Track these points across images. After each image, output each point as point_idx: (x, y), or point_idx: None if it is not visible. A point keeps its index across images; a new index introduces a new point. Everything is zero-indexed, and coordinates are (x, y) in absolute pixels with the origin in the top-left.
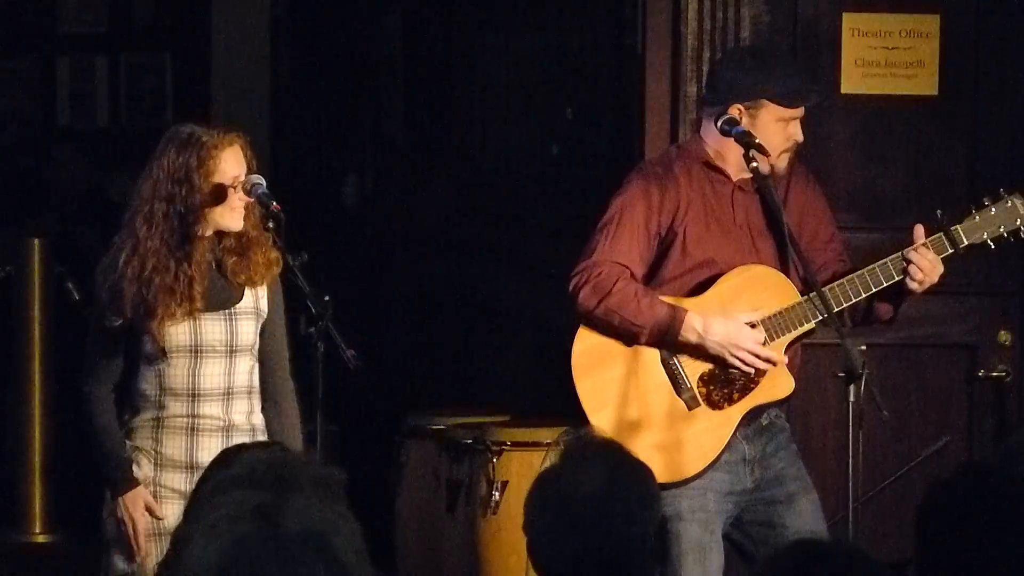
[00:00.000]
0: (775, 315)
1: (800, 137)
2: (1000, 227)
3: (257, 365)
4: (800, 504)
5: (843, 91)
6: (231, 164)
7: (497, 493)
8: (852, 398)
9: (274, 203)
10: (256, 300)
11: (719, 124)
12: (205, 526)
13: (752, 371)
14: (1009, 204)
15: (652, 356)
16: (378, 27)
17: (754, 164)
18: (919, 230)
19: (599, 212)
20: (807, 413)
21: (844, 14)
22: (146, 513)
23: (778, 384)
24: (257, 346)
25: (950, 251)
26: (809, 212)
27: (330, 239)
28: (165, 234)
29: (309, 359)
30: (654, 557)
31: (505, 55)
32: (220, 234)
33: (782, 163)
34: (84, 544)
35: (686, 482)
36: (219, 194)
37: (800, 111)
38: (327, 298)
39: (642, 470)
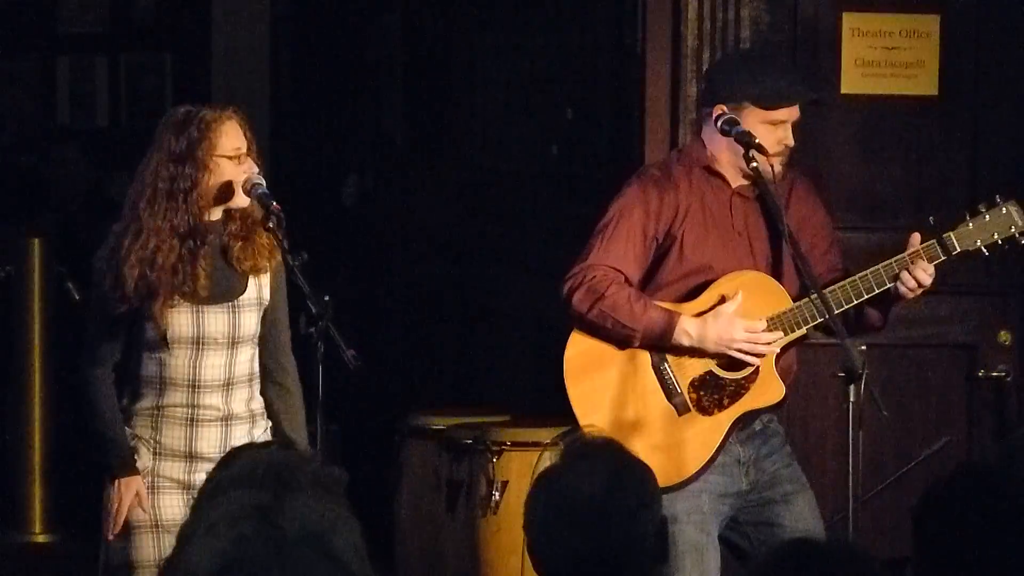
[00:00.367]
0: (767, 320)
1: (790, 142)
2: (994, 234)
3: (258, 351)
4: (796, 503)
5: (843, 91)
6: (232, 137)
7: (497, 493)
8: (852, 398)
9: (274, 203)
10: (259, 290)
11: (719, 124)
12: (205, 526)
13: (757, 360)
14: (1004, 211)
15: (644, 361)
16: (378, 27)
17: (754, 164)
18: (915, 238)
19: (598, 214)
20: (807, 413)
21: (844, 14)
22: (136, 502)
23: (768, 390)
24: (258, 333)
25: (943, 258)
26: (808, 222)
27: (330, 239)
28: (169, 214)
29: (309, 359)
30: (654, 557)
31: (505, 55)
32: (226, 218)
33: (776, 167)
34: (84, 544)
35: (676, 487)
36: (223, 168)
37: (787, 114)
38: (327, 298)
39: (642, 470)
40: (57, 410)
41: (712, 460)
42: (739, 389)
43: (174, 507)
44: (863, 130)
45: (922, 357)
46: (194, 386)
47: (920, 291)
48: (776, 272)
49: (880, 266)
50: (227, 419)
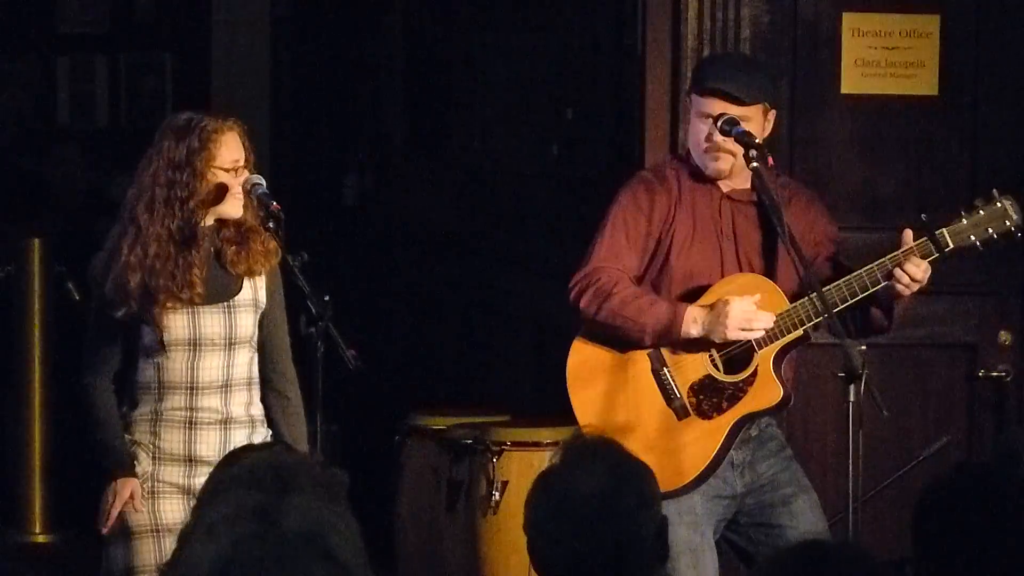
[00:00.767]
0: None
1: (716, 138)
2: (989, 229)
3: (257, 355)
4: (797, 505)
5: (843, 91)
6: (231, 149)
7: (497, 493)
8: (852, 398)
9: (274, 203)
10: (255, 291)
11: (719, 124)
12: (204, 526)
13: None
14: (999, 206)
15: (643, 367)
16: (378, 27)
17: (754, 164)
18: (907, 234)
19: (597, 217)
20: (807, 413)
21: (844, 14)
22: (130, 503)
23: (767, 393)
24: (256, 337)
25: (936, 254)
26: (810, 232)
27: (330, 239)
28: (167, 220)
29: (309, 359)
30: (654, 557)
31: (505, 55)
32: (220, 224)
33: (705, 161)
34: (84, 544)
35: (678, 491)
36: (220, 179)
37: (711, 107)
38: (327, 298)
39: (642, 470)
40: (57, 410)
41: (714, 463)
42: (737, 392)
43: (174, 511)
44: (863, 130)
45: (922, 357)
46: (192, 389)
47: (915, 288)
48: (768, 276)
49: (874, 264)
50: (226, 422)
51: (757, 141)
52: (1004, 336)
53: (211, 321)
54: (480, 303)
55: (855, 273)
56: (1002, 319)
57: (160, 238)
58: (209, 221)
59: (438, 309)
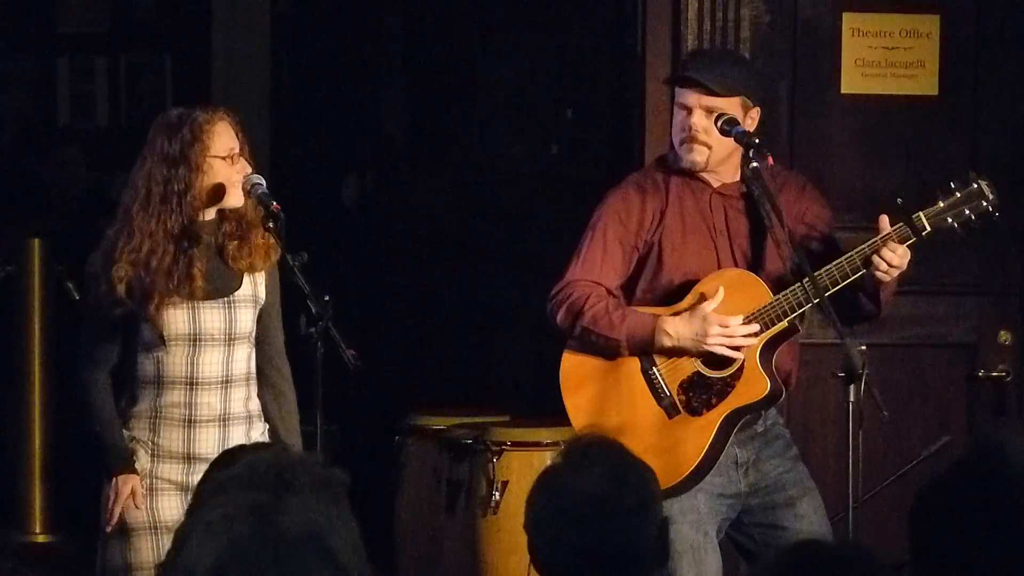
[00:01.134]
0: (748, 317)
1: (690, 127)
2: (966, 211)
3: (254, 351)
4: (801, 506)
5: (843, 91)
6: (224, 138)
7: (497, 493)
8: (852, 398)
9: (274, 203)
10: (254, 287)
11: (719, 124)
12: (202, 526)
13: (738, 355)
14: (975, 187)
15: (633, 368)
16: (378, 27)
17: (753, 164)
18: (884, 220)
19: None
20: (807, 413)
21: (844, 14)
22: (130, 500)
23: (753, 386)
24: (255, 333)
25: (914, 238)
26: (803, 219)
27: (330, 239)
28: (163, 217)
29: (309, 359)
30: (655, 557)
31: (505, 55)
32: (221, 218)
33: (682, 152)
34: (84, 544)
35: (672, 489)
36: (217, 171)
37: (686, 98)
38: (327, 298)
39: (644, 470)
40: (57, 410)
41: (707, 459)
42: (726, 387)
43: (172, 508)
44: (863, 130)
45: (922, 357)
46: (192, 384)
47: (895, 273)
48: (759, 269)
49: (853, 252)
50: (225, 419)
51: (757, 141)
52: (1004, 336)
53: (211, 316)
54: (480, 303)
55: (835, 262)
56: (1002, 319)
57: (156, 236)
58: (210, 215)
59: (438, 309)
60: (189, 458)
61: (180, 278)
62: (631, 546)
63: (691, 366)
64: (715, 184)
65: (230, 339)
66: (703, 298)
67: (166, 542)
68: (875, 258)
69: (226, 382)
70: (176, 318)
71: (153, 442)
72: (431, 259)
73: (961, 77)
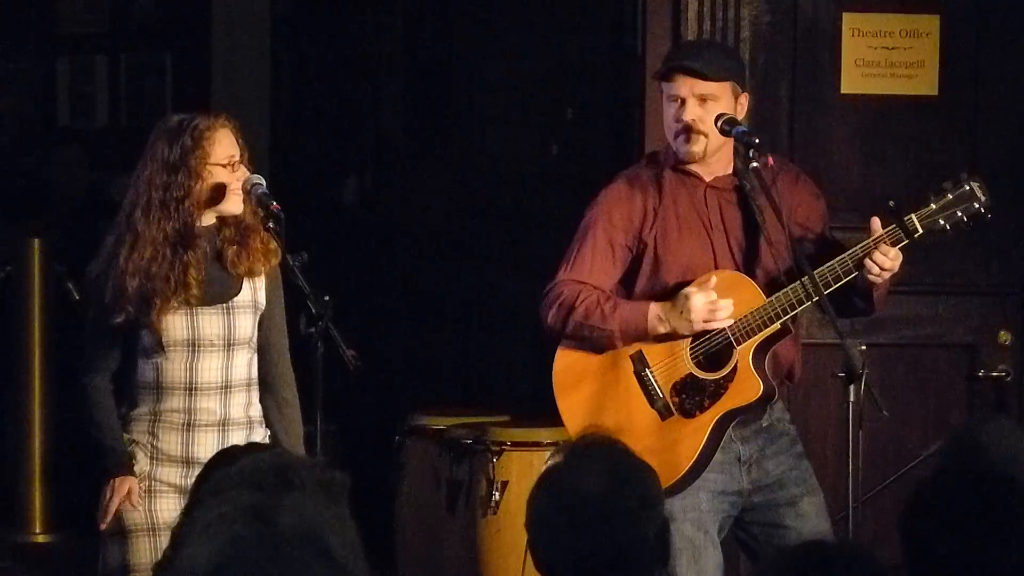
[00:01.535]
0: (741, 320)
1: (685, 117)
2: (958, 212)
3: (256, 356)
4: (803, 506)
5: (843, 91)
6: (225, 145)
7: (497, 493)
8: (852, 398)
9: (274, 203)
10: (254, 293)
11: (719, 124)
12: (201, 526)
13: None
14: (967, 188)
15: (626, 370)
16: (378, 27)
17: (754, 164)
18: (875, 223)
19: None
20: (807, 413)
21: (844, 14)
22: (128, 501)
23: (746, 388)
24: (255, 338)
25: (906, 240)
26: (796, 211)
27: (330, 239)
28: (164, 223)
29: (309, 359)
30: (655, 558)
31: (505, 55)
32: (220, 223)
33: (678, 146)
34: (84, 544)
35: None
36: (217, 177)
37: (678, 88)
38: (327, 298)
39: (645, 470)
40: (57, 410)
41: (700, 461)
42: (718, 389)
43: (171, 510)
44: (863, 130)
45: (922, 357)
46: (191, 390)
47: (887, 275)
48: (755, 262)
49: (846, 254)
50: (224, 424)
51: (757, 141)
52: (1004, 336)
53: (210, 322)
54: (480, 303)
55: (827, 265)
56: (1002, 319)
57: (156, 242)
58: (208, 220)
59: (438, 309)
60: (188, 462)
61: (177, 284)
62: (631, 546)
63: (684, 368)
64: (708, 178)
65: (229, 345)
66: None
67: (164, 543)
68: (867, 261)
69: (226, 388)
70: (175, 324)
71: (152, 445)
72: (431, 259)
73: (961, 77)
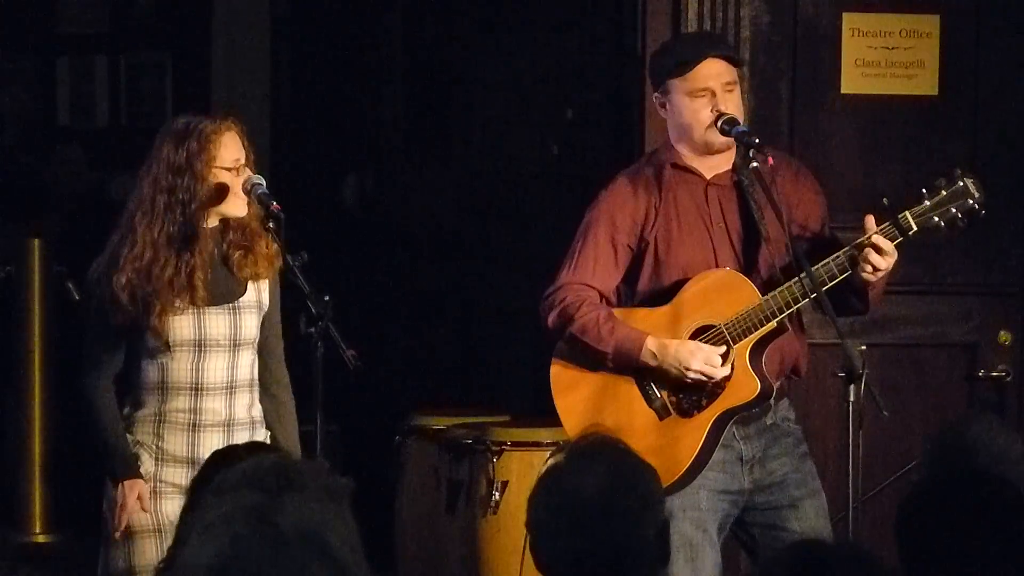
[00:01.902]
0: (736, 318)
1: (724, 107)
2: (952, 209)
3: (257, 357)
4: (804, 508)
5: (843, 91)
6: (231, 149)
7: (497, 493)
8: (852, 398)
9: (274, 203)
10: (259, 293)
11: (719, 124)
12: (202, 526)
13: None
14: (960, 184)
15: (624, 370)
16: (378, 27)
17: (754, 164)
18: (870, 220)
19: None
20: (807, 413)
21: (844, 14)
22: (137, 505)
23: (744, 387)
24: (258, 339)
25: (900, 238)
26: (797, 206)
27: (330, 239)
28: (166, 226)
29: (309, 359)
30: (655, 558)
31: (505, 55)
32: (224, 227)
33: (713, 137)
34: (84, 544)
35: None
36: (221, 180)
37: (705, 79)
38: (327, 298)
39: (646, 470)
40: (57, 410)
41: (697, 461)
42: (716, 389)
43: (176, 512)
44: (863, 130)
45: (922, 357)
46: (197, 390)
47: (880, 274)
48: (755, 259)
49: (841, 252)
50: (229, 424)
51: (756, 140)
52: (1004, 336)
53: (216, 322)
54: (480, 303)
55: (822, 262)
56: (1002, 319)
57: (158, 244)
58: (212, 223)
59: (438, 309)
60: (193, 463)
61: (181, 288)
62: (631, 546)
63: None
64: (709, 175)
65: (235, 345)
66: (691, 300)
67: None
68: (861, 258)
69: (231, 388)
70: (181, 324)
71: (157, 446)
72: (431, 259)
73: (961, 77)
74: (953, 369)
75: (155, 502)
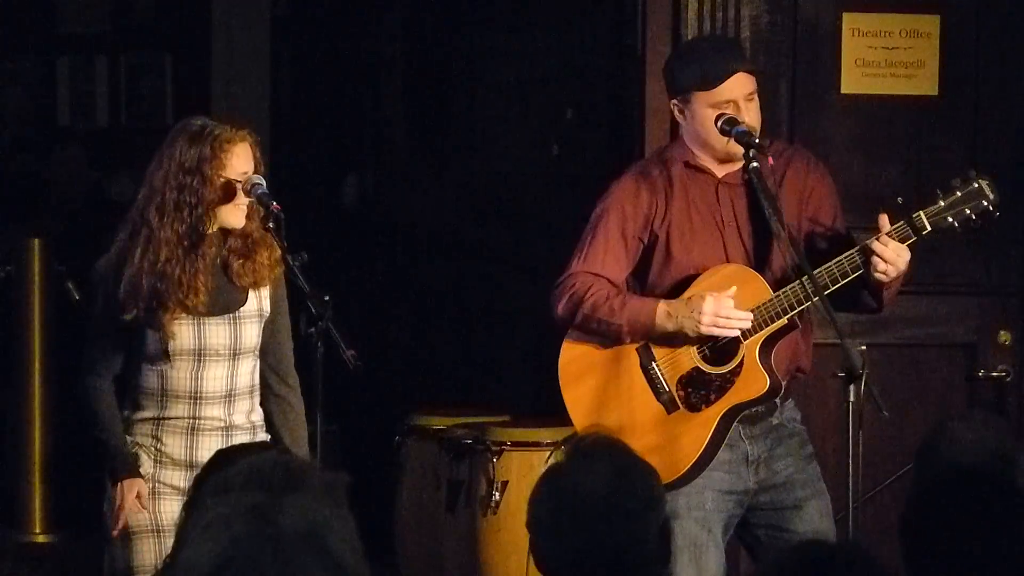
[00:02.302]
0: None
1: (748, 118)
2: (966, 210)
3: (259, 362)
4: (808, 509)
5: (843, 91)
6: (241, 160)
7: (497, 493)
8: (852, 398)
9: (274, 203)
10: (260, 301)
11: (719, 124)
12: (202, 526)
13: (739, 332)
14: (976, 185)
15: (632, 363)
16: (378, 27)
17: (754, 164)
18: (884, 219)
19: (590, 211)
20: (807, 413)
21: (844, 14)
22: (137, 504)
23: (753, 383)
24: (259, 346)
25: (914, 238)
26: (809, 199)
27: (330, 239)
28: (176, 224)
29: (309, 359)
30: (656, 558)
31: (505, 55)
32: (225, 234)
33: (734, 148)
34: (84, 544)
35: (669, 485)
36: (227, 189)
37: (730, 92)
38: (327, 298)
39: (648, 471)
40: (57, 410)
41: (705, 455)
42: (725, 384)
43: (174, 513)
44: (863, 130)
45: (922, 357)
46: (196, 398)
47: (893, 272)
48: (766, 257)
49: (854, 250)
50: (228, 429)
51: (756, 141)
52: (1004, 336)
53: (216, 332)
54: (480, 303)
55: (834, 260)
56: (1002, 319)
57: (170, 243)
58: (214, 228)
59: (438, 309)
60: (192, 465)
61: (188, 289)
62: (634, 546)
63: (690, 362)
64: (720, 174)
65: (235, 354)
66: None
67: (168, 545)
68: (873, 258)
69: (230, 395)
70: (181, 333)
71: (156, 448)
72: (431, 259)
73: (961, 77)
74: (953, 369)
75: (153, 503)
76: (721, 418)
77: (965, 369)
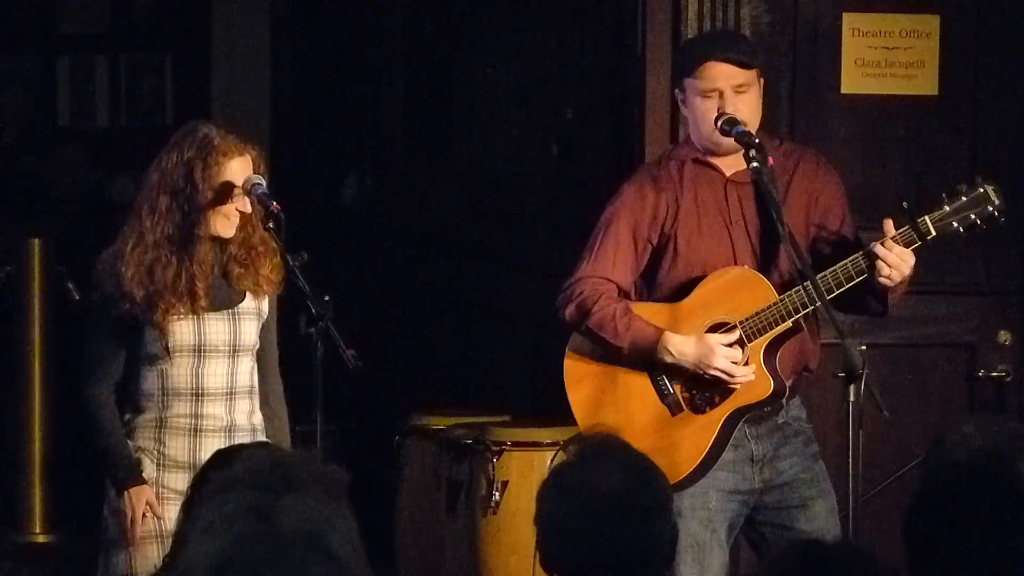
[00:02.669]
0: (752, 316)
1: (732, 108)
2: (971, 215)
3: (256, 365)
4: (814, 508)
5: (843, 91)
6: (236, 173)
7: (497, 493)
8: (852, 398)
9: (274, 203)
10: (258, 302)
11: (719, 124)
12: (201, 526)
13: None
14: (981, 191)
15: (637, 364)
16: (378, 27)
17: (754, 164)
18: (888, 224)
19: (599, 212)
20: (807, 413)
21: (844, 14)
22: (147, 511)
23: (756, 386)
24: (257, 347)
25: (919, 243)
26: (818, 200)
27: (330, 239)
28: (168, 228)
29: (309, 359)
30: (661, 559)
31: (505, 55)
32: (222, 241)
33: (718, 139)
34: (84, 544)
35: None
36: (218, 198)
37: (714, 80)
38: (327, 298)
39: (657, 472)
40: (57, 410)
41: (709, 458)
42: (729, 386)
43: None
44: (863, 130)
45: (922, 357)
46: (197, 395)
47: (897, 277)
48: (773, 257)
49: (859, 254)
50: (230, 429)
51: (756, 141)
52: (1004, 336)
53: (216, 328)
54: (480, 303)
55: (839, 264)
56: (1002, 319)
57: (160, 244)
58: (208, 233)
59: (438, 309)
60: (195, 467)
61: (182, 293)
62: (646, 545)
63: None
64: (728, 172)
65: (234, 351)
66: (707, 296)
67: None
68: (878, 262)
69: (231, 394)
70: (181, 329)
71: (159, 451)
72: (431, 259)
73: (961, 77)
74: (953, 369)
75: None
76: (725, 420)
77: (965, 369)
